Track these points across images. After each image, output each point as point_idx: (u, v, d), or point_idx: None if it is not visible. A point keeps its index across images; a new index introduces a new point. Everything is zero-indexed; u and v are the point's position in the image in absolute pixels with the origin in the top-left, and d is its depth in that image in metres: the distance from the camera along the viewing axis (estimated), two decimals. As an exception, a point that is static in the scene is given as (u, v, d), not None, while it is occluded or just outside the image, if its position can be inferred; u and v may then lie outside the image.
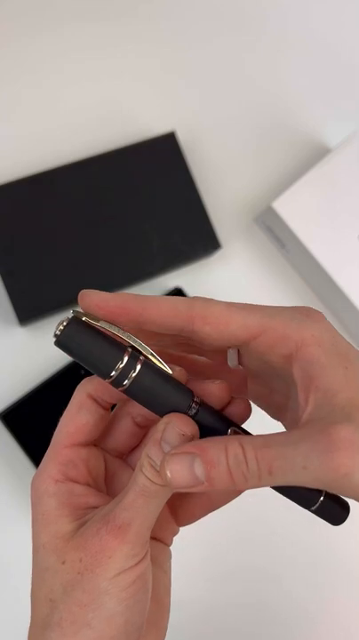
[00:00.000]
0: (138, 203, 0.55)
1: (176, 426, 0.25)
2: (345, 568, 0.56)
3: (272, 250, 0.61)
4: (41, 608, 0.25)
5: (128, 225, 0.55)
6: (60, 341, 0.25)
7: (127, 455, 0.30)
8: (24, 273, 0.52)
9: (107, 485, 0.29)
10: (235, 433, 0.26)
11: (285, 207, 0.55)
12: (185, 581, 0.53)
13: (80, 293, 0.26)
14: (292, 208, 0.56)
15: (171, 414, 0.25)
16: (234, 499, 0.29)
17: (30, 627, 0.26)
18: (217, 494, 0.29)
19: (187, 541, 0.51)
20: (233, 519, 0.54)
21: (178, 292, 0.56)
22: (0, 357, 0.53)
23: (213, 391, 0.27)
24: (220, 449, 0.23)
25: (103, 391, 0.27)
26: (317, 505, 0.26)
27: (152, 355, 0.26)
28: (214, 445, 0.24)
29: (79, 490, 0.27)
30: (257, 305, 0.26)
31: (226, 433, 0.26)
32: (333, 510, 0.27)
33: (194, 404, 0.26)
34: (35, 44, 0.59)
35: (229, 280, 0.59)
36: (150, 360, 0.26)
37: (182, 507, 0.30)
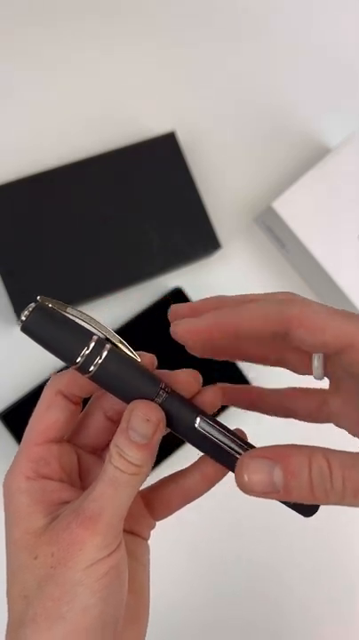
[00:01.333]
0: (138, 203, 0.55)
1: (140, 411, 0.25)
2: (343, 556, 0.56)
3: (272, 250, 0.61)
4: (16, 606, 0.25)
5: (128, 225, 0.55)
6: (26, 327, 0.25)
7: (102, 451, 0.30)
8: (24, 273, 0.52)
9: (83, 481, 0.29)
10: (203, 421, 0.26)
11: (285, 207, 0.55)
12: (178, 579, 0.53)
13: (171, 326, 0.26)
14: (292, 208, 0.55)
15: (136, 401, 0.25)
16: (207, 491, 0.29)
17: (7, 626, 0.26)
18: (191, 486, 0.29)
19: (174, 539, 0.51)
20: (227, 510, 0.54)
21: (178, 292, 0.56)
22: (0, 357, 0.53)
23: (182, 379, 0.27)
24: (304, 459, 0.23)
25: (72, 386, 0.27)
26: None
27: (120, 341, 0.26)
28: (297, 454, 0.23)
29: (52, 486, 0.27)
30: (357, 314, 0.25)
31: (194, 421, 0.26)
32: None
33: (161, 391, 0.26)
34: (34, 44, 0.59)
35: (229, 280, 0.59)
36: (118, 347, 0.26)
37: (156, 500, 0.30)
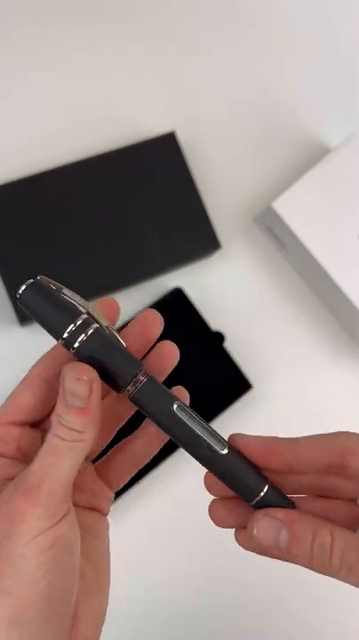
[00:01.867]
0: (138, 203, 0.55)
1: (71, 372, 0.25)
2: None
3: (272, 250, 0.61)
4: None
5: (128, 225, 0.55)
6: (21, 299, 0.27)
7: None
8: (24, 273, 0.52)
9: None
10: (179, 409, 0.27)
11: (285, 207, 0.55)
12: (175, 586, 0.53)
13: (230, 436, 0.27)
14: (292, 208, 0.56)
15: (66, 364, 0.26)
16: (156, 452, 0.29)
17: None
18: (140, 449, 0.30)
19: (172, 549, 0.51)
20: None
21: (178, 292, 0.56)
22: (0, 357, 0.53)
23: (164, 352, 0.28)
24: (309, 529, 0.24)
25: (50, 368, 0.28)
26: (258, 498, 0.27)
27: (108, 325, 0.27)
28: (305, 522, 0.24)
29: (3, 462, 0.27)
30: None
31: (169, 409, 0.27)
32: (277, 505, 0.27)
33: (141, 375, 0.26)
34: (34, 44, 0.59)
35: (229, 280, 0.59)
36: (106, 329, 0.27)
37: (109, 470, 0.30)
